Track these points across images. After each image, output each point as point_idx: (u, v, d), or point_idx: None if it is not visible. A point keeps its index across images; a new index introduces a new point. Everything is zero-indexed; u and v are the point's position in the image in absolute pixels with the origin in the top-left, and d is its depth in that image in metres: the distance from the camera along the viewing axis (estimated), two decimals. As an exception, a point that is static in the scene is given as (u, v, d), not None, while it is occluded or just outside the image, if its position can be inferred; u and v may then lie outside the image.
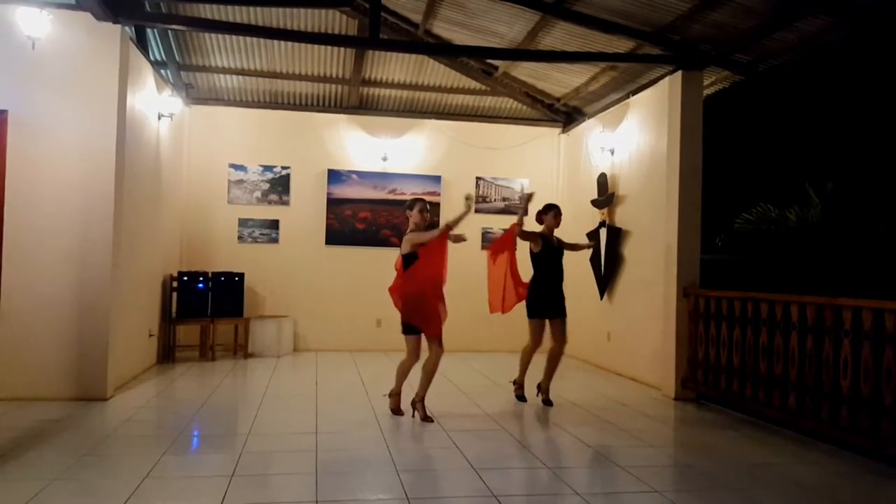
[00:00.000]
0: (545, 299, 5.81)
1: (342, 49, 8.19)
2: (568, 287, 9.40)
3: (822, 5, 5.25)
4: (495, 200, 9.50)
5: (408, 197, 9.21)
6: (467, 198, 5.04)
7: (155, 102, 7.16)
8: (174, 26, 7.06)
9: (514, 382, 6.10)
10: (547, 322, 5.84)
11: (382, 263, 9.13)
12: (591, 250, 7.84)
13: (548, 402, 5.83)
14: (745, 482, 3.92)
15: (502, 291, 5.82)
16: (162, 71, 7.77)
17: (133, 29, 6.50)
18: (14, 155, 5.50)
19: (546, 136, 9.66)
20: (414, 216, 5.15)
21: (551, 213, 5.94)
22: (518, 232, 5.71)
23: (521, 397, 6.02)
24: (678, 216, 6.41)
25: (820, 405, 4.70)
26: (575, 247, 6.29)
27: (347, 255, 9.11)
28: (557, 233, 6.08)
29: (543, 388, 5.92)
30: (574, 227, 9.01)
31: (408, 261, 5.04)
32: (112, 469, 3.89)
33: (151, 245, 7.20)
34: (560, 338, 5.86)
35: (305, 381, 6.79)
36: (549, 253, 5.87)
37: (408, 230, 5.17)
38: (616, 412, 5.72)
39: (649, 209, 7.09)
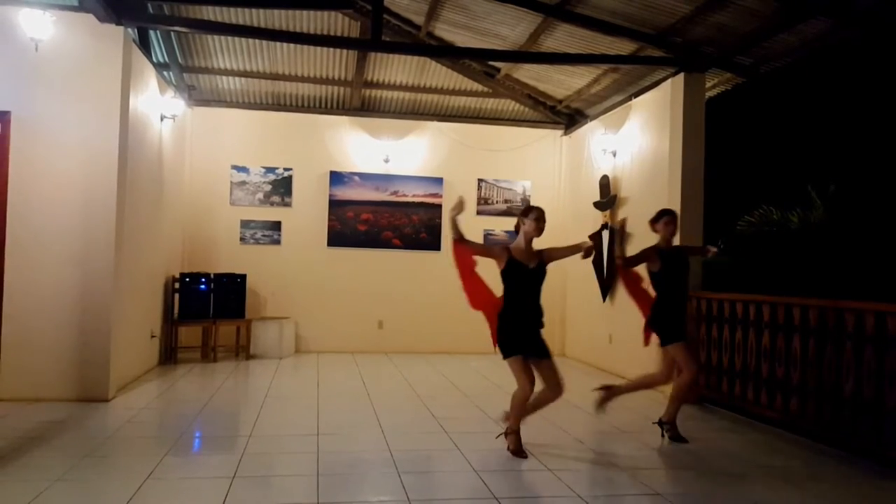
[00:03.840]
0: (678, 320, 4.86)
1: (344, 51, 8.20)
2: (569, 289, 9.42)
3: (824, 8, 5.25)
4: (497, 203, 9.50)
5: (409, 199, 9.26)
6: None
7: (157, 104, 7.17)
8: (177, 28, 7.07)
9: (664, 423, 4.93)
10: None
11: (384, 265, 9.18)
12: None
13: (678, 438, 4.83)
14: (748, 485, 3.91)
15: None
16: (164, 72, 7.78)
17: (136, 31, 6.51)
18: (17, 156, 5.51)
19: (548, 138, 9.66)
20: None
21: (663, 219, 5.03)
22: (623, 265, 4.93)
23: (677, 437, 4.86)
24: (680, 218, 6.39)
25: (822, 408, 4.69)
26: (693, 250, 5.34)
27: (349, 256, 9.12)
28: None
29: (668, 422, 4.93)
30: (576, 229, 9.02)
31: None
32: (114, 470, 3.90)
33: (153, 246, 7.20)
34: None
35: (307, 383, 6.79)
36: (670, 268, 4.90)
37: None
38: (618, 415, 5.71)
39: (651, 211, 7.01)
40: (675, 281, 4.92)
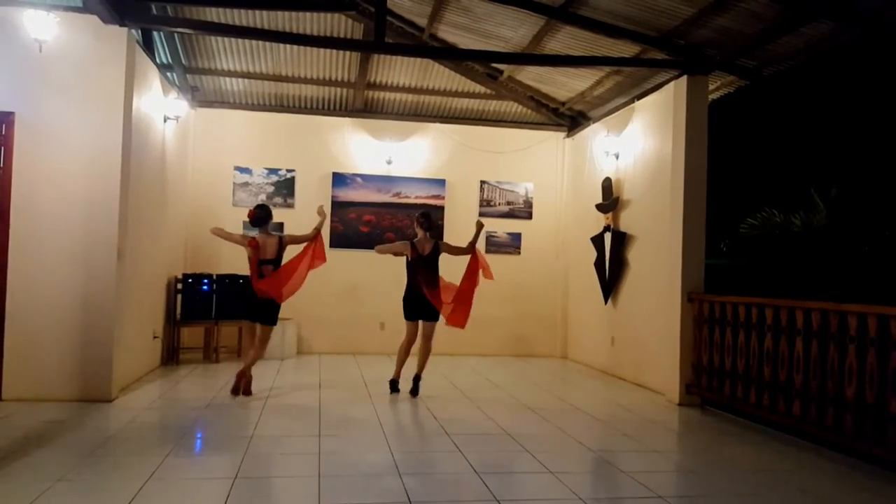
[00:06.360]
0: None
1: (347, 52, 8.21)
2: (571, 291, 9.42)
3: (828, 10, 5.25)
4: (500, 204, 9.50)
5: (412, 200, 9.26)
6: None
7: (161, 105, 7.19)
8: (180, 29, 7.09)
9: (417, 378, 6.38)
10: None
11: (386, 267, 9.14)
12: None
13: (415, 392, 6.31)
14: (749, 488, 3.91)
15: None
16: (168, 74, 7.80)
17: (139, 32, 6.53)
18: (20, 157, 5.52)
19: (550, 140, 9.66)
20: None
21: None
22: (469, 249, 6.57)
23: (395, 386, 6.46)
24: (683, 220, 6.40)
25: (824, 411, 4.68)
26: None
27: (351, 258, 9.11)
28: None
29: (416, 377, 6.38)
30: (578, 231, 9.02)
31: None
32: (116, 470, 3.90)
33: (156, 247, 7.22)
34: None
35: (309, 384, 6.80)
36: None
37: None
38: (620, 417, 5.71)
39: (654, 214, 7.08)
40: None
